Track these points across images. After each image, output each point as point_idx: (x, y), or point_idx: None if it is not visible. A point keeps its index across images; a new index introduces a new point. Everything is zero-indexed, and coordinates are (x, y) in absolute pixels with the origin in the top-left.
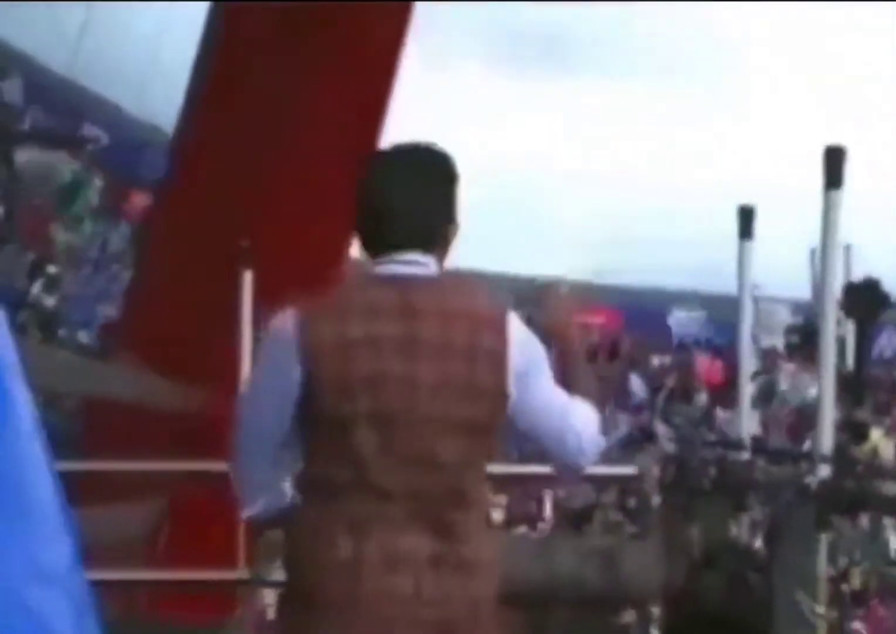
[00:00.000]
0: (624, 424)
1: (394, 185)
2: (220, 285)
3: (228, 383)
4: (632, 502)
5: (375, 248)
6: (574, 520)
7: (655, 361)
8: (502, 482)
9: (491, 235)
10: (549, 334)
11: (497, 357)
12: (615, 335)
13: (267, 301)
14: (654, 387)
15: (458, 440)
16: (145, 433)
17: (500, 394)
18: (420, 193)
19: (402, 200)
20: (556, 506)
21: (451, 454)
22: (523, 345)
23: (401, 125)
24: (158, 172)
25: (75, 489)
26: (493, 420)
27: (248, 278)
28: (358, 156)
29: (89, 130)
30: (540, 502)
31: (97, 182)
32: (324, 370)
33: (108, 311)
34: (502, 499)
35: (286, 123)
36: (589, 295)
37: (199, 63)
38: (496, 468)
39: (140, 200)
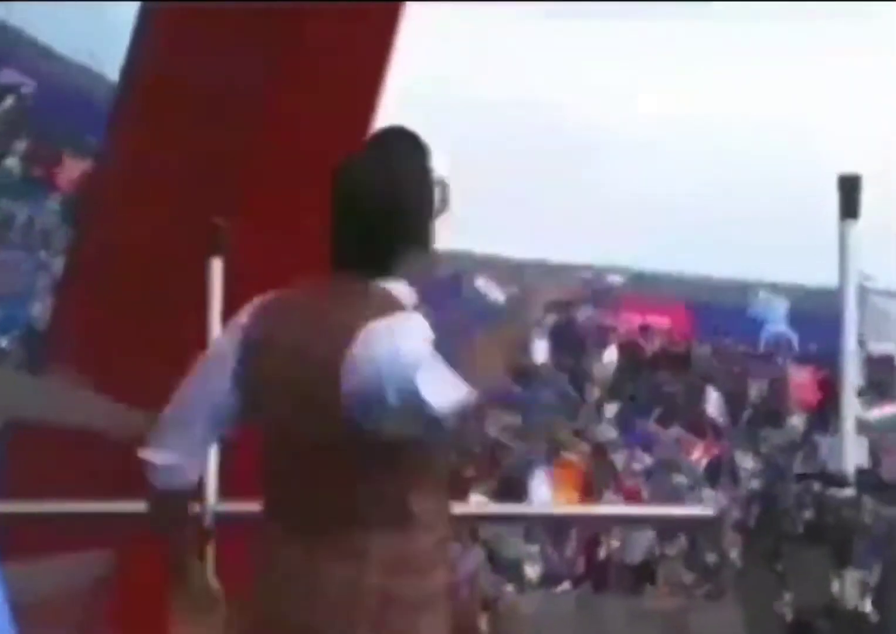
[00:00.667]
0: (697, 452)
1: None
2: (182, 276)
3: None
4: (705, 553)
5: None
6: (631, 576)
7: (736, 372)
8: (532, 527)
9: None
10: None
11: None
12: (684, 340)
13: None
14: (735, 406)
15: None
16: (85, 467)
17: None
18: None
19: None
20: (609, 559)
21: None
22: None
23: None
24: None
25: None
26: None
27: (216, 267)
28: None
29: (9, 75)
30: (587, 553)
31: (19, 144)
32: (249, 368)
33: (35, 309)
34: (536, 548)
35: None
36: (650, 289)
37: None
38: (515, 507)
39: (76, 167)
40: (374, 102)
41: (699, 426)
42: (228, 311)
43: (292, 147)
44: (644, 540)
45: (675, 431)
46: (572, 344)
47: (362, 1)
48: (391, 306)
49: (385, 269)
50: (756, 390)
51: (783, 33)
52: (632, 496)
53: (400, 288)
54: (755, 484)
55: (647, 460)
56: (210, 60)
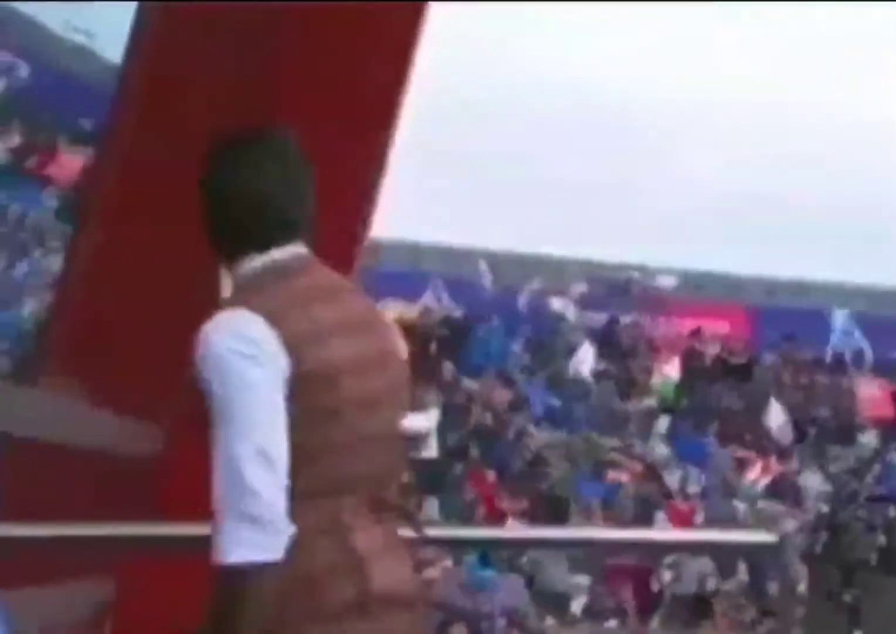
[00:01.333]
0: (757, 472)
1: (269, 175)
2: (191, 278)
3: (200, 417)
4: (767, 583)
5: (257, 240)
6: (685, 610)
7: (802, 383)
8: (577, 558)
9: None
10: None
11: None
12: (745, 347)
13: None
14: (800, 420)
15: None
16: (84, 487)
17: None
18: (296, 182)
19: (280, 191)
20: (660, 590)
21: None
22: None
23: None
24: (97, 115)
25: None
26: None
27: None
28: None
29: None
30: (636, 583)
31: (10, 131)
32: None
33: (27, 313)
34: (583, 580)
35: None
36: (707, 292)
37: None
38: (556, 531)
39: (74, 158)
40: (396, 97)
41: (760, 443)
42: None
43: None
44: (699, 569)
45: (734, 448)
46: (619, 352)
47: (384, 1)
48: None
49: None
50: (824, 403)
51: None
52: (685, 521)
53: None
54: (823, 508)
55: (703, 480)
56: (219, 52)
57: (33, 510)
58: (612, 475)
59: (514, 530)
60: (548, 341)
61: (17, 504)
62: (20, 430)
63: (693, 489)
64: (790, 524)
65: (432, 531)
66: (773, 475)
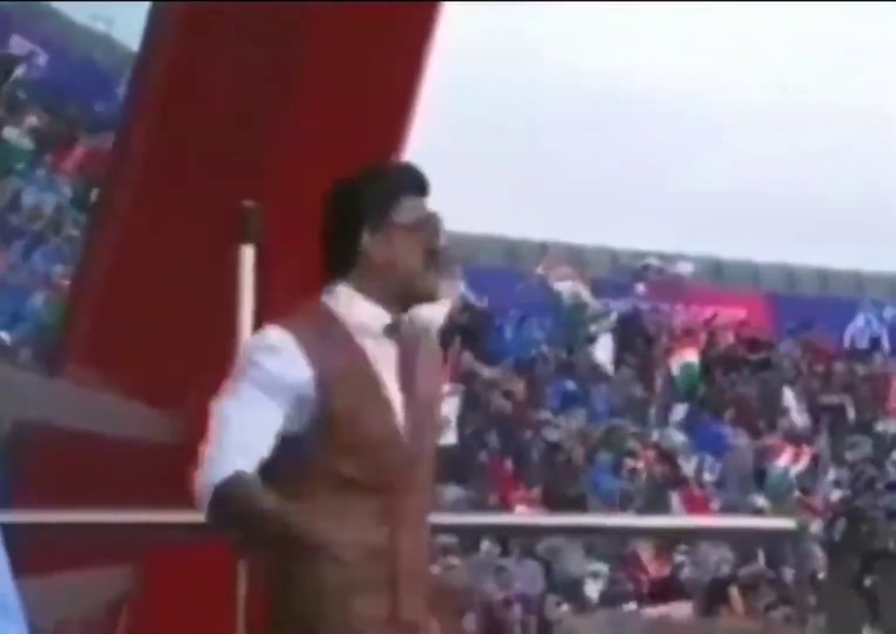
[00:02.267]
0: (777, 459)
1: None
2: (208, 265)
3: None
4: (785, 570)
5: None
6: (703, 596)
7: (820, 370)
8: (595, 544)
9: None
10: None
11: None
12: (762, 335)
13: (275, 289)
14: (818, 408)
15: None
16: (106, 474)
17: None
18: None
19: None
20: (676, 578)
21: None
22: None
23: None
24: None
25: (12, 551)
26: None
27: (248, 256)
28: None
29: (19, 44)
30: (654, 569)
31: (28, 121)
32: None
33: (44, 302)
34: (600, 567)
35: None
36: (725, 278)
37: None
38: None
39: (89, 146)
40: (412, 86)
41: (778, 430)
42: (260, 302)
43: (326, 125)
44: (716, 556)
45: (751, 435)
46: (638, 339)
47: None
48: None
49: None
50: (842, 390)
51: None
52: (702, 507)
53: None
54: (841, 495)
55: (718, 467)
56: (237, 42)
57: (57, 498)
58: (629, 462)
59: (531, 517)
60: (566, 329)
61: (41, 492)
62: (44, 419)
63: (708, 477)
64: (809, 512)
65: (450, 519)
66: (792, 462)
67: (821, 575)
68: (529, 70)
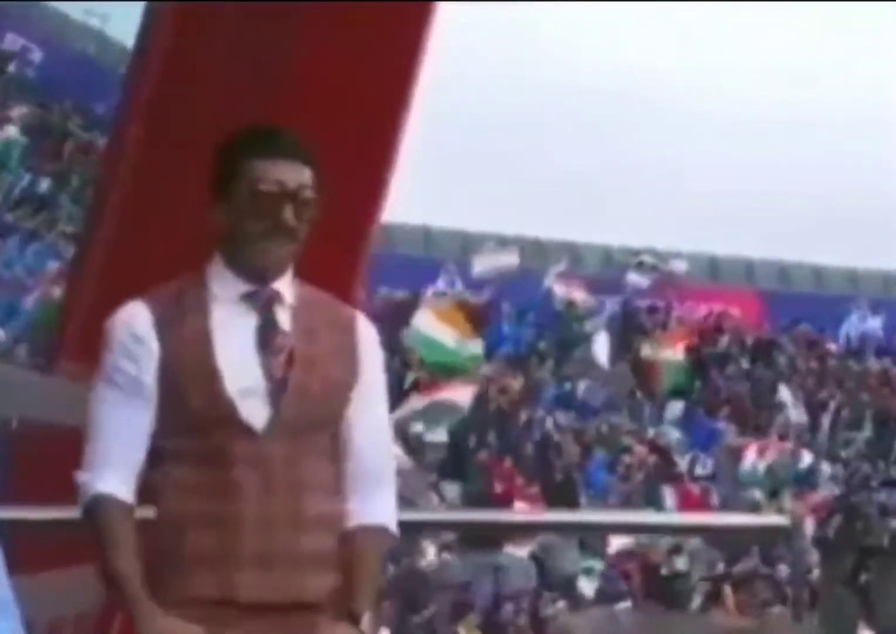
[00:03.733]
0: (769, 455)
1: None
2: (204, 264)
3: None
4: (780, 567)
5: None
6: (696, 594)
7: (815, 367)
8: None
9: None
10: None
11: None
12: (757, 332)
13: None
14: (813, 405)
15: None
16: None
17: None
18: None
19: None
20: (670, 575)
21: None
22: None
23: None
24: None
25: (6, 547)
26: None
27: None
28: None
29: (13, 41)
30: (648, 570)
31: (22, 116)
32: None
33: (39, 298)
34: (595, 564)
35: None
36: (719, 276)
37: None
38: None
39: (85, 144)
40: (408, 84)
41: (773, 427)
42: None
43: (321, 124)
44: (710, 552)
45: (747, 432)
46: (635, 336)
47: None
48: None
49: None
50: (837, 387)
51: None
52: (696, 504)
53: None
54: (835, 492)
55: (711, 464)
56: (232, 39)
57: (51, 494)
58: (624, 459)
59: (526, 514)
60: (562, 326)
61: (35, 488)
62: (39, 415)
63: (700, 471)
64: (801, 507)
65: (447, 515)
66: (784, 458)
67: (815, 572)
68: (528, 69)
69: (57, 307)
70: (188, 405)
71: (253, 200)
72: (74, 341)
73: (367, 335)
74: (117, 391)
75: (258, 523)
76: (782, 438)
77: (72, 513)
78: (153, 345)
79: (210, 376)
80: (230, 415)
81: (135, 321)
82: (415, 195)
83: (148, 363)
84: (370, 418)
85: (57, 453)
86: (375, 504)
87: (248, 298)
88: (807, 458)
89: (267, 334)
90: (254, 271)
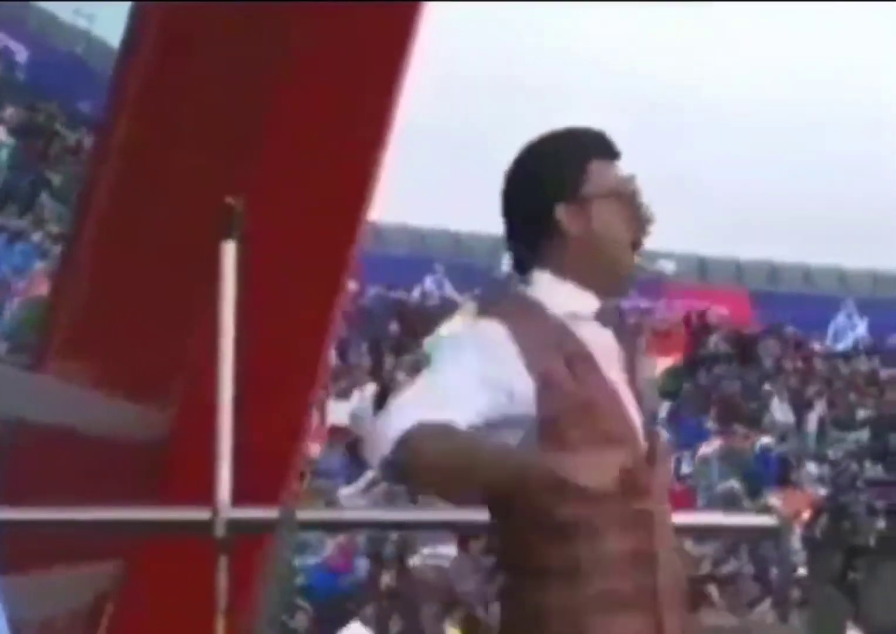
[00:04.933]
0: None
1: None
2: (192, 262)
3: (203, 399)
4: (767, 567)
5: None
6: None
7: (803, 367)
8: None
9: None
10: None
11: None
12: (745, 331)
13: (256, 285)
14: (801, 404)
15: None
16: (88, 470)
17: None
18: None
19: None
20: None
21: None
22: None
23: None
24: (96, 98)
25: None
26: None
27: (230, 252)
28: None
29: None
30: None
31: (9, 116)
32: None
33: (19, 299)
34: None
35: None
36: (707, 276)
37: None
38: None
39: (72, 143)
40: (395, 80)
41: (760, 427)
42: (242, 299)
43: (311, 120)
44: (698, 552)
45: (735, 431)
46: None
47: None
48: None
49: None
50: (825, 387)
51: None
52: (682, 503)
53: None
54: (822, 491)
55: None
56: (220, 39)
57: (38, 495)
58: None
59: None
60: None
61: (22, 488)
62: (25, 415)
63: (686, 470)
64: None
65: (439, 515)
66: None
67: (802, 571)
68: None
69: (43, 307)
70: (606, 430)
71: (614, 205)
72: (60, 340)
73: None
74: (466, 375)
75: (666, 561)
76: (771, 437)
77: (59, 514)
78: (517, 358)
79: (616, 401)
80: (637, 442)
81: (491, 330)
82: (404, 194)
83: (509, 370)
84: None
85: (43, 451)
86: None
87: (602, 314)
88: (805, 460)
89: (629, 355)
90: (624, 278)
